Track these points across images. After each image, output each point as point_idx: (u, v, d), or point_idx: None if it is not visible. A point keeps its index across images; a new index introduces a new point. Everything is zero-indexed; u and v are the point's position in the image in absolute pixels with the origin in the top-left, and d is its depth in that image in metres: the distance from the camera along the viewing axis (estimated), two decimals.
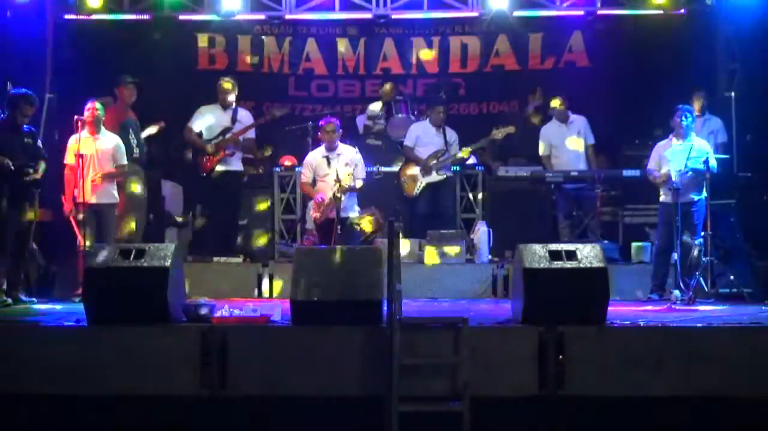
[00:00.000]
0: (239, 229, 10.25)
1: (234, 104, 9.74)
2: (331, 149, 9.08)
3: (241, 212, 10.20)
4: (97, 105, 8.50)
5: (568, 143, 9.79)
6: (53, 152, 8.59)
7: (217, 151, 9.53)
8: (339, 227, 8.67)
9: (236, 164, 9.73)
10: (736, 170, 9.42)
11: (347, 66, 12.17)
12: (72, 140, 8.35)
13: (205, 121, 9.65)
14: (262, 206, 10.62)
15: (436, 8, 11.36)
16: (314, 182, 9.14)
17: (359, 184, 8.98)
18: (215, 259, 9.42)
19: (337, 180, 8.71)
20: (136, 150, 9.21)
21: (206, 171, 9.55)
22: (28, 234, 8.17)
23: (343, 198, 8.73)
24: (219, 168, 9.57)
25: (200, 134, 9.64)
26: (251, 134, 9.80)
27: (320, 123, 9.31)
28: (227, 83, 9.73)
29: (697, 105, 9.45)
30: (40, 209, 8.34)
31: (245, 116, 9.80)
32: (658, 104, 9.89)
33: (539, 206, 10.02)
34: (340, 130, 9.20)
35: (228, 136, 9.58)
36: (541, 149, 9.88)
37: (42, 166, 8.11)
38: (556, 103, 9.94)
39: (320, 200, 8.92)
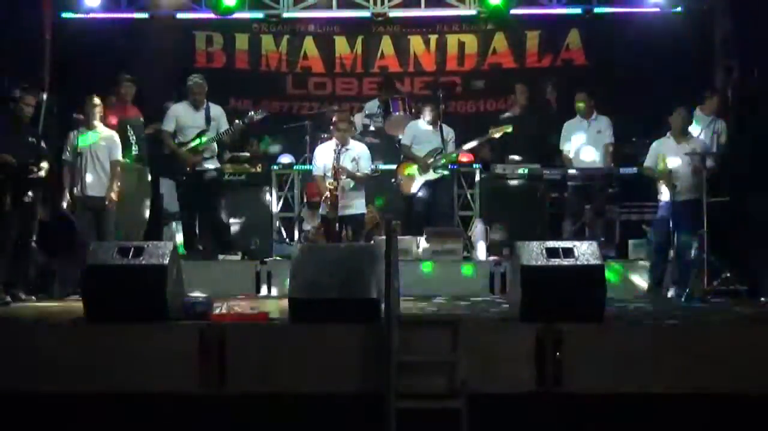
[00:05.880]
0: (233, 226, 10.19)
1: (205, 102, 9.54)
2: (340, 143, 9.12)
3: (239, 210, 10.17)
4: (95, 101, 8.51)
5: (587, 141, 9.67)
6: (51, 151, 8.58)
7: (193, 157, 9.40)
8: (345, 224, 8.82)
9: (213, 163, 9.55)
10: (733, 168, 9.41)
11: (345, 64, 12.18)
12: (70, 137, 8.36)
13: (179, 122, 9.48)
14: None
15: (434, 6, 11.37)
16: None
17: (359, 174, 9.04)
18: (214, 257, 9.41)
19: (336, 175, 8.79)
20: (135, 148, 9.20)
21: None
22: (29, 233, 8.17)
23: (341, 192, 8.79)
24: (197, 168, 9.43)
25: (174, 135, 9.47)
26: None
27: (333, 119, 9.37)
28: (198, 82, 9.54)
29: (708, 107, 9.37)
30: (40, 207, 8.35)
31: (218, 113, 9.57)
32: (655, 102, 9.89)
33: (537, 203, 10.00)
34: (353, 127, 9.32)
35: (204, 139, 9.38)
36: (562, 144, 9.77)
37: (45, 165, 8.11)
38: (579, 100, 9.76)
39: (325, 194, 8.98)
